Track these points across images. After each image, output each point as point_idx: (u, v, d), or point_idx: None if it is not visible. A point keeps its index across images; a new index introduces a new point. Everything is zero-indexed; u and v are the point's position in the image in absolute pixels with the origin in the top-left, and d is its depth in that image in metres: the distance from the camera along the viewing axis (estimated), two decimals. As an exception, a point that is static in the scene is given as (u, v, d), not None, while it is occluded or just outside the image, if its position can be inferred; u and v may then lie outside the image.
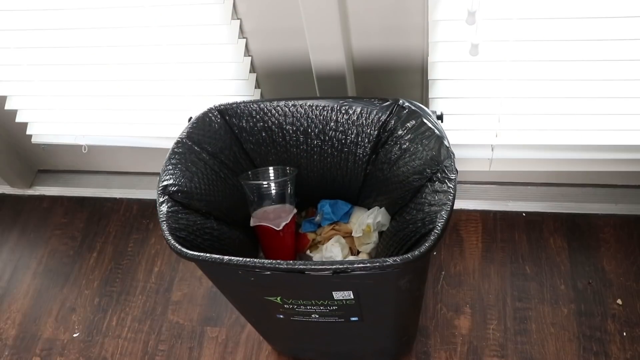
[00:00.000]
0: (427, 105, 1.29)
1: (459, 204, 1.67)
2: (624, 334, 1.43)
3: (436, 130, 1.05)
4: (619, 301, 1.47)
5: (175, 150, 1.14)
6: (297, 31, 1.26)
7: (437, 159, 1.02)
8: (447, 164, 1.00)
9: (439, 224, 0.92)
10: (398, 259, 0.88)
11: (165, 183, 1.09)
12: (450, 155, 1.01)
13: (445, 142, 1.02)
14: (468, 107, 1.37)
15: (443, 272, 1.58)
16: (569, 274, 1.53)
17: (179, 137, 1.15)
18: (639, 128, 1.33)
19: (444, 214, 0.93)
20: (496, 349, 1.44)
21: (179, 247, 0.98)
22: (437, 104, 1.36)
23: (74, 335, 1.63)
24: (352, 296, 1.02)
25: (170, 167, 1.12)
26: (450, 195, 0.96)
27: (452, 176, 0.98)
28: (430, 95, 1.34)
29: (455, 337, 1.48)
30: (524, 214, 1.65)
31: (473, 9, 1.09)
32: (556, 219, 1.62)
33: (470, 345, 1.46)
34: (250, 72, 1.38)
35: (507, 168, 1.54)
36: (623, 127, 1.34)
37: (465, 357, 1.44)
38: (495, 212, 1.66)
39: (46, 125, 1.65)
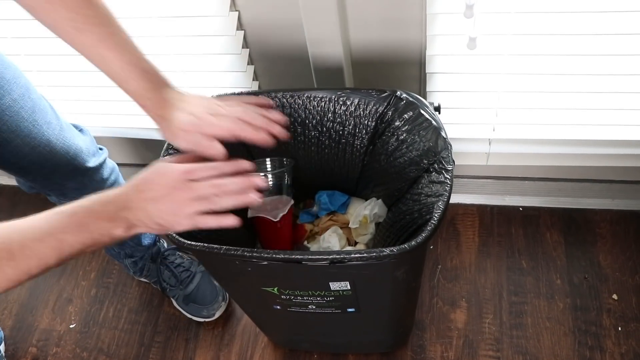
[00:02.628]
0: (424, 99, 1.29)
1: (456, 198, 1.67)
2: (619, 328, 1.43)
3: (433, 122, 1.05)
4: (615, 296, 1.48)
5: (173, 140, 1.14)
6: (295, 23, 1.26)
7: (434, 150, 1.03)
8: (444, 155, 1.00)
9: (436, 215, 0.92)
10: (395, 249, 0.89)
11: (162, 173, 1.09)
12: (447, 146, 1.01)
13: (443, 133, 1.02)
14: (465, 101, 1.37)
15: (439, 266, 1.58)
16: (565, 268, 1.54)
17: None
18: (637, 123, 1.34)
19: (440, 204, 0.93)
20: (492, 343, 1.45)
21: (177, 237, 0.98)
22: (434, 98, 1.36)
23: (71, 326, 1.63)
24: (348, 287, 1.02)
25: (168, 158, 1.12)
26: (447, 186, 0.96)
27: (449, 167, 0.99)
28: (427, 89, 1.34)
29: (451, 330, 1.48)
30: (520, 209, 1.65)
31: (471, 2, 1.09)
32: (553, 213, 1.63)
33: (465, 339, 1.46)
34: (248, 64, 1.38)
35: (504, 162, 1.54)
36: (621, 122, 1.34)
37: (460, 351, 1.45)
38: (492, 207, 1.66)
39: (44, 116, 1.65)
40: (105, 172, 1.33)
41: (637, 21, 1.12)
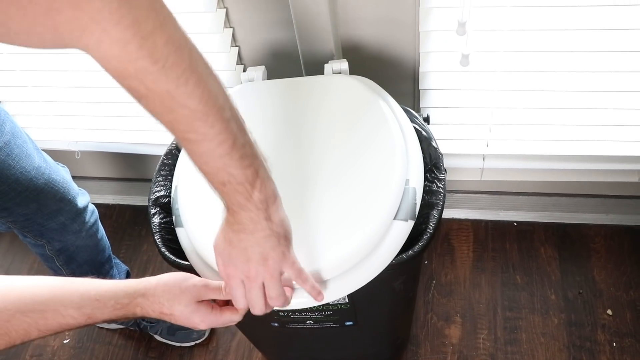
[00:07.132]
0: (418, 114, 1.30)
1: (450, 213, 1.68)
2: (614, 344, 1.43)
3: (423, 132, 1.06)
4: (609, 311, 1.48)
5: (165, 161, 1.13)
6: (285, 21, 1.25)
7: (426, 159, 1.03)
8: (436, 164, 1.01)
9: (431, 224, 0.93)
10: (393, 259, 0.89)
11: (156, 195, 1.08)
12: (438, 155, 1.02)
13: (433, 143, 1.03)
14: (459, 117, 1.38)
15: (434, 281, 1.58)
16: (560, 283, 1.54)
17: (168, 148, 1.15)
18: (630, 139, 1.35)
19: (435, 213, 0.94)
20: (486, 359, 1.44)
21: (173, 258, 0.98)
22: (428, 114, 1.37)
23: (64, 341, 1.62)
24: (347, 300, 1.02)
25: (161, 179, 1.11)
26: (441, 195, 0.97)
27: (442, 176, 0.99)
28: (421, 105, 1.35)
29: (446, 346, 1.48)
30: (515, 224, 1.66)
31: (463, 20, 1.11)
32: (547, 228, 1.63)
33: (460, 354, 1.46)
34: (237, 63, 1.35)
35: (498, 178, 1.55)
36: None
37: (455, 366, 1.44)
38: (487, 222, 1.67)
39: (39, 130, 1.64)
40: (87, 215, 1.32)
41: (632, 38, 1.14)
